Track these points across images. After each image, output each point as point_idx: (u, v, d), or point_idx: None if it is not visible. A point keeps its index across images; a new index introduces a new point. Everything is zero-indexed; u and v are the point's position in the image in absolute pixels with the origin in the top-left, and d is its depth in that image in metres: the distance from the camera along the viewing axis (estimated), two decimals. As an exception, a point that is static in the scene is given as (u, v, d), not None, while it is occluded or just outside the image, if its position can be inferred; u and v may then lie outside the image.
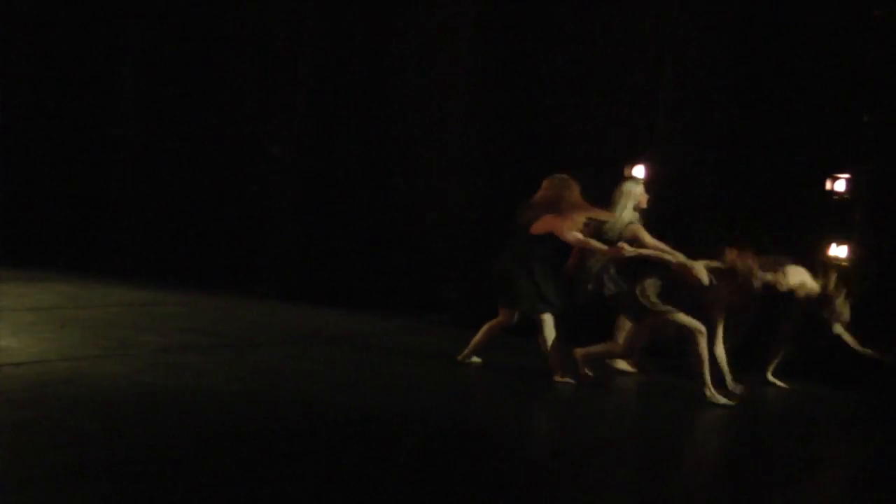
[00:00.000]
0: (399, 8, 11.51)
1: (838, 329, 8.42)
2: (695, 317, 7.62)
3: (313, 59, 11.57)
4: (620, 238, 8.07)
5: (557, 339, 7.88)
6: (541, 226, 7.81)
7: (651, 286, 7.60)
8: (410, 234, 11.32)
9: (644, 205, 8.49)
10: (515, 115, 10.69)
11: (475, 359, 8.26)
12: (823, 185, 9.00)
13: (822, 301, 8.30)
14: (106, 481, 4.53)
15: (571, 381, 7.86)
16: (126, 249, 12.30)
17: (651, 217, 8.68)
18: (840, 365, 8.94)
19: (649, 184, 9.17)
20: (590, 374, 8.01)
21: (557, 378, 7.89)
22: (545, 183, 7.95)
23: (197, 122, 12.24)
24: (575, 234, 7.79)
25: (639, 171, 8.75)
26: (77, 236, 12.40)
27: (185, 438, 5.35)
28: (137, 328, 8.24)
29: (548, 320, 7.87)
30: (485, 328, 8.19)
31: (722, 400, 7.64)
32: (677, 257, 7.69)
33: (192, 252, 12.10)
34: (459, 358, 8.25)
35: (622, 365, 8.71)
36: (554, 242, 7.90)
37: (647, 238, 8.13)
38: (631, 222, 8.30)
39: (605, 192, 8.57)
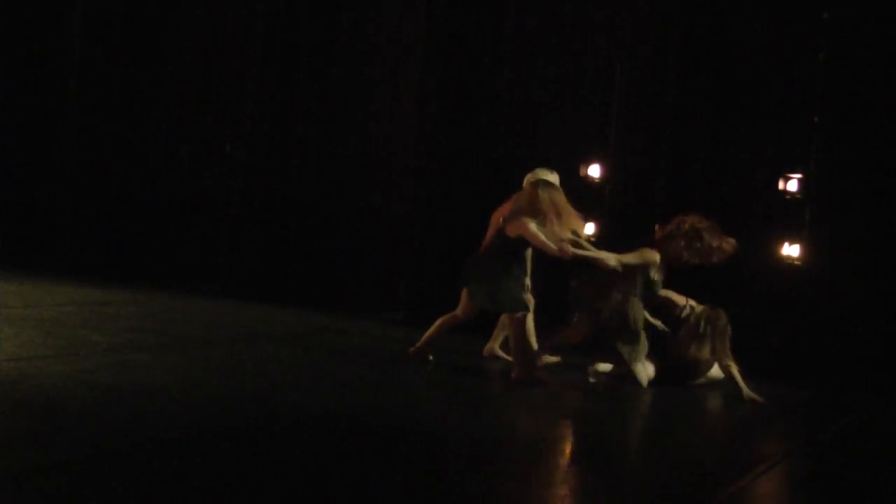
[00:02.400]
0: (350, 8, 11.45)
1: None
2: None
3: (264, 57, 11.49)
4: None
5: (530, 339, 7.88)
6: (513, 227, 7.82)
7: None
8: (363, 234, 11.27)
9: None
10: (468, 117, 10.66)
11: (430, 357, 8.22)
12: (776, 184, 9.09)
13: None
14: (54, 481, 4.47)
15: (540, 378, 7.89)
16: (76, 247, 12.14)
17: (606, 220, 8.74)
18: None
19: (604, 185, 9.23)
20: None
21: (513, 376, 7.91)
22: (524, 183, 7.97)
23: (147, 119, 12.11)
24: (534, 233, 7.74)
25: (594, 170, 8.79)
26: (26, 234, 12.22)
27: (134, 438, 5.29)
28: (87, 327, 8.14)
29: (526, 320, 7.86)
30: (438, 323, 8.16)
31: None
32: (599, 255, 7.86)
33: (143, 250, 11.97)
34: (411, 350, 8.19)
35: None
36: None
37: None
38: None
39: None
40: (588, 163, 9.32)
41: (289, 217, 11.47)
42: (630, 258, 7.80)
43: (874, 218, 9.22)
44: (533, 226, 7.73)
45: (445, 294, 10.20)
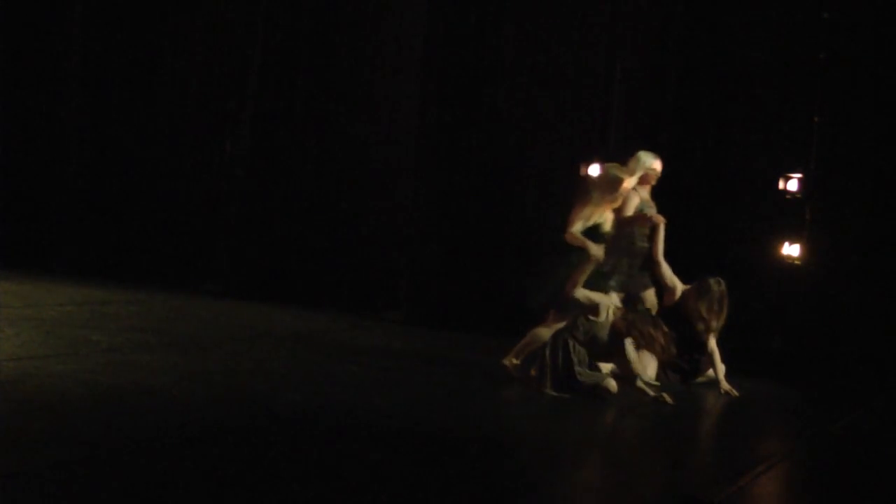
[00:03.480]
0: (351, 6, 11.44)
1: None
2: None
3: (264, 57, 11.49)
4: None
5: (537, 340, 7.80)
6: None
7: None
8: (363, 234, 11.26)
9: (652, 181, 8.45)
10: (468, 117, 10.65)
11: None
12: (776, 184, 9.09)
13: None
14: (54, 482, 4.47)
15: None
16: (76, 247, 12.14)
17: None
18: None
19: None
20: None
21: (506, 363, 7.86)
22: None
23: (147, 119, 12.10)
24: (570, 231, 7.63)
25: (594, 169, 8.79)
26: (26, 234, 12.22)
27: (134, 439, 5.29)
28: (88, 327, 8.14)
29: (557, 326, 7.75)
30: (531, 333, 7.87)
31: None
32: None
33: (143, 250, 11.96)
34: (507, 362, 7.90)
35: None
36: None
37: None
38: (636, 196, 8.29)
39: (560, 196, 8.65)
40: (588, 163, 9.29)
41: (289, 217, 11.46)
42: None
43: (874, 218, 9.21)
44: (576, 225, 7.60)
45: (445, 294, 10.25)
